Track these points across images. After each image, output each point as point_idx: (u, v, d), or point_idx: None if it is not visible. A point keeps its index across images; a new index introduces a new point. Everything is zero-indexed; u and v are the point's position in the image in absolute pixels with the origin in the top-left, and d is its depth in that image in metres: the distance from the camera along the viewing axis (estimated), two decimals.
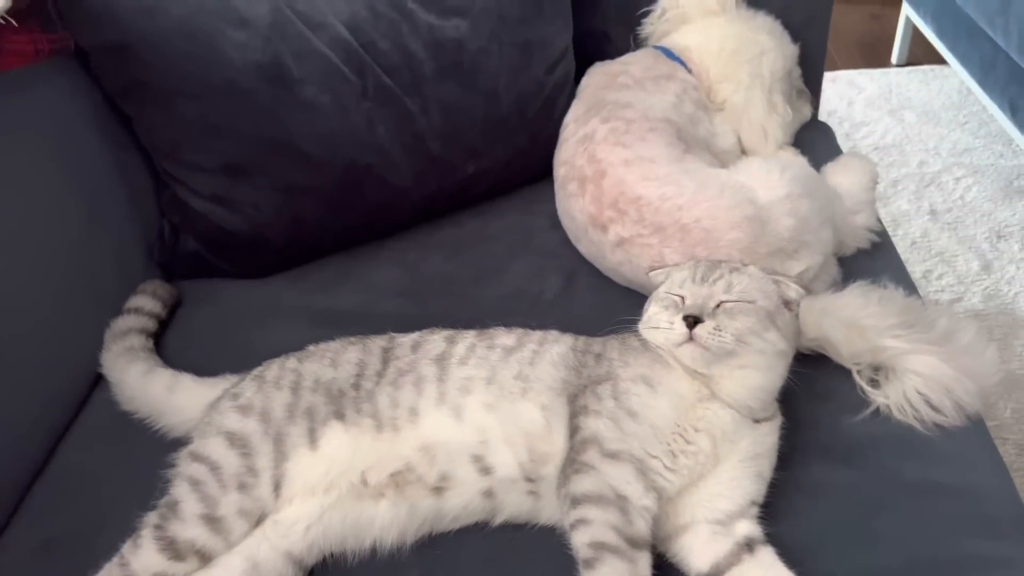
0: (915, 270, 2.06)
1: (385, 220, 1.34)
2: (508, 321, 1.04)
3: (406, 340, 1.02)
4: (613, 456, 0.86)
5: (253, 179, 1.22)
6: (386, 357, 0.99)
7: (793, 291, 0.96)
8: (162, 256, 1.30)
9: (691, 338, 0.87)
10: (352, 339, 1.03)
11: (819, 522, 0.90)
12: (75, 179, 1.18)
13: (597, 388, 0.92)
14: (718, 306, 0.90)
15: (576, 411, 0.91)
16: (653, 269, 1.05)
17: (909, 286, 1.18)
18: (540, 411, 0.92)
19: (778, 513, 0.89)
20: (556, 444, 0.90)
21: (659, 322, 0.92)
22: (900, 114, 2.63)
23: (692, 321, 0.88)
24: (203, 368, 1.08)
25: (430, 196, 1.34)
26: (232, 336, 1.20)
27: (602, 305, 1.19)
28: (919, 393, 1.00)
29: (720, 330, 0.87)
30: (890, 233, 2.13)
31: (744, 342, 0.88)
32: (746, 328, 0.89)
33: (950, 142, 2.49)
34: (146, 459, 0.97)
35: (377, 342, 1.02)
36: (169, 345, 1.19)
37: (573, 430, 0.89)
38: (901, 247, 2.13)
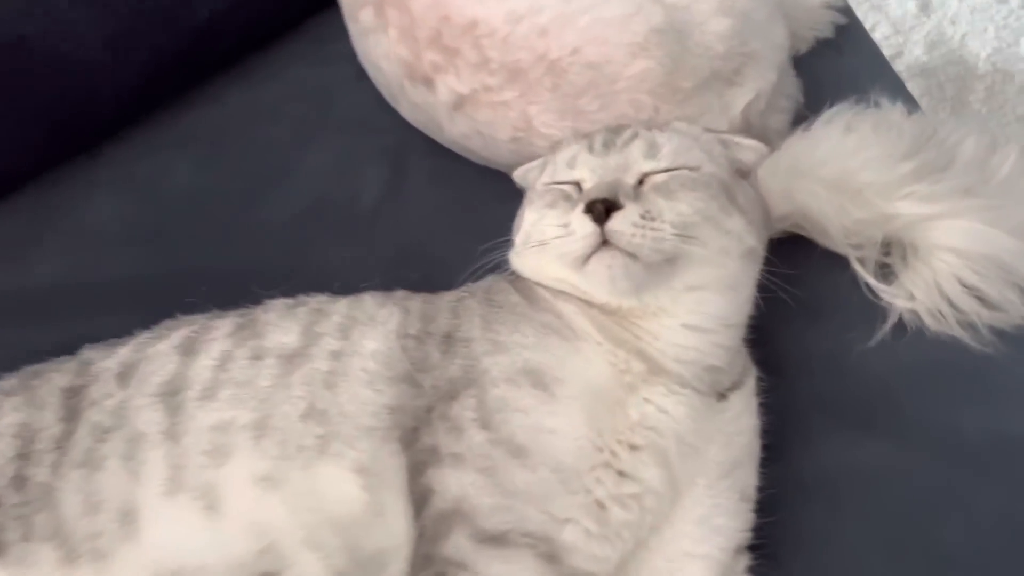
0: None
1: (84, 123, 0.83)
2: (309, 262, 0.72)
3: (110, 364, 0.58)
4: (495, 541, 0.49)
5: None
6: (73, 406, 0.56)
7: (749, 150, 0.62)
8: None
9: (604, 240, 0.51)
10: (12, 380, 0.58)
11: (847, 551, 0.55)
12: None
13: (452, 408, 0.53)
14: (641, 182, 0.56)
15: (421, 458, 0.51)
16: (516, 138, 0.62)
17: (898, 89, 0.79)
18: (355, 476, 0.52)
19: (781, 555, 0.54)
20: (394, 529, 0.51)
21: (543, 232, 0.56)
22: None
23: (603, 210, 0.52)
24: None
25: (142, 70, 0.83)
26: None
27: (454, 204, 0.77)
28: (960, 283, 0.63)
29: (651, 217, 0.52)
30: None
31: (693, 235, 0.54)
32: (694, 209, 0.55)
33: None
34: None
35: (56, 380, 0.57)
36: None
37: (421, 496, 0.50)
38: None
